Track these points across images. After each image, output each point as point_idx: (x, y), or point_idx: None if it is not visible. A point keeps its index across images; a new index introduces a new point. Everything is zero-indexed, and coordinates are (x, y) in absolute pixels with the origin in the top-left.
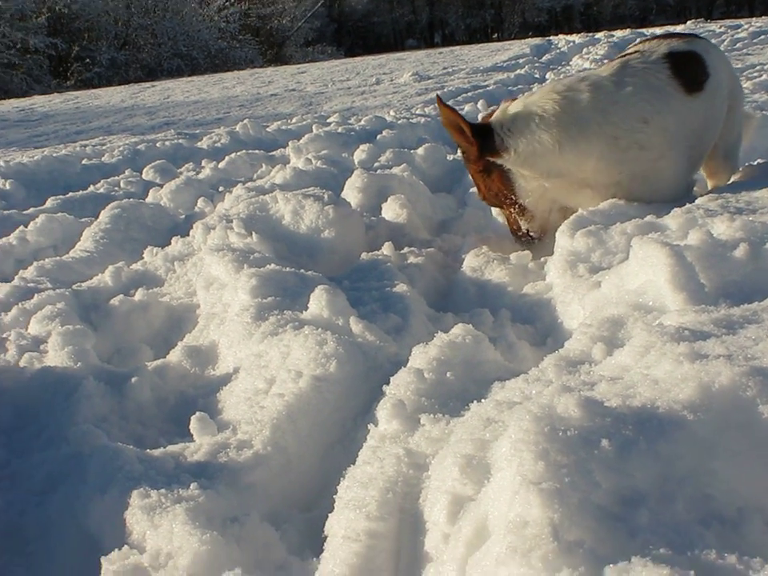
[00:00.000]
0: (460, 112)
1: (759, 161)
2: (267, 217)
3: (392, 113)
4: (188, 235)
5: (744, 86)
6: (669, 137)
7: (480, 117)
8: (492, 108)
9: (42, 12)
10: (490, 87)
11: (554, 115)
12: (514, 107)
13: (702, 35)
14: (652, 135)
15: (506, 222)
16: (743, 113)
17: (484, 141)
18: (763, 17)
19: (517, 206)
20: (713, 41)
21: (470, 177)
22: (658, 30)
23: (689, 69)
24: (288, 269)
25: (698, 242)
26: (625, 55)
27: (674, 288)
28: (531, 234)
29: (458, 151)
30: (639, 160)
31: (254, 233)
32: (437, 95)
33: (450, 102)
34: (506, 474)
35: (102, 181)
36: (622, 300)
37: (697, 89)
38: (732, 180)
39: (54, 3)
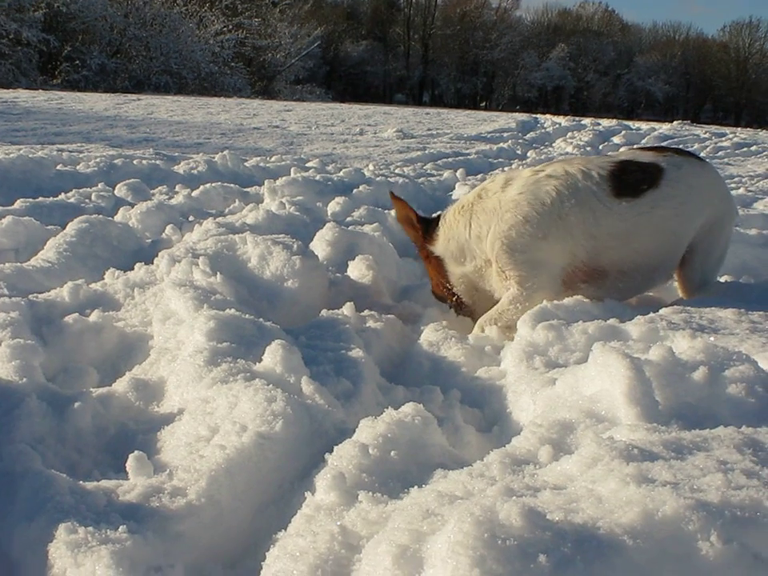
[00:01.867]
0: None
1: (726, 278)
2: (234, 257)
3: (371, 167)
4: (152, 262)
5: None
6: (564, 224)
7: None
8: None
9: (40, 6)
10: (471, 156)
11: (470, 204)
12: (458, 202)
13: (692, 147)
14: (549, 219)
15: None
16: (730, 239)
17: (426, 229)
18: (748, 128)
19: (456, 300)
20: (695, 146)
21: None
22: (644, 125)
23: (632, 176)
24: (247, 315)
25: (658, 358)
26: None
27: (628, 401)
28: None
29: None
30: (520, 234)
31: (218, 273)
32: (390, 192)
33: (428, 165)
34: (440, 573)
35: (74, 190)
36: (575, 404)
37: (629, 195)
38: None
39: (53, 0)
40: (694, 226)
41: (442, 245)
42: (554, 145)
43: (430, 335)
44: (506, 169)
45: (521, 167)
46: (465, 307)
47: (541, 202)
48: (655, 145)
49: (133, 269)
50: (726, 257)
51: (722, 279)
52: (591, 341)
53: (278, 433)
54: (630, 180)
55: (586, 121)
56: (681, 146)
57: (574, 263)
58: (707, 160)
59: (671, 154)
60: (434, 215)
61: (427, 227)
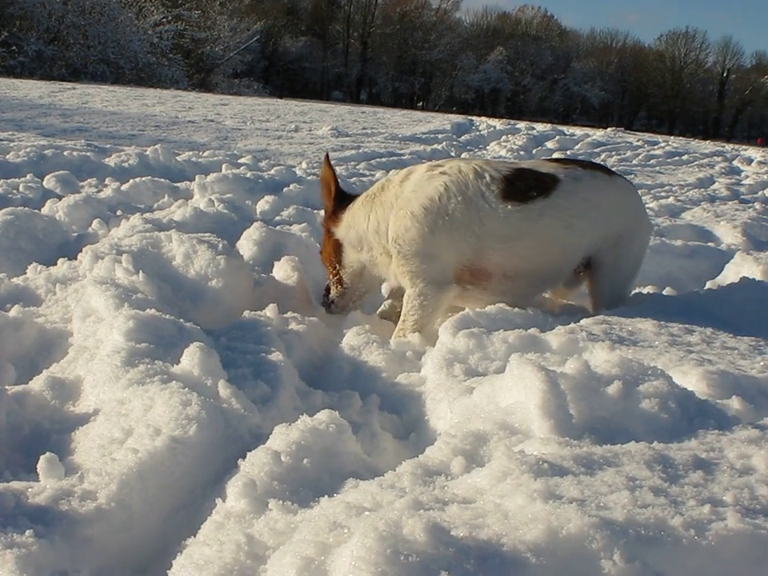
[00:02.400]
0: (338, 175)
1: (650, 289)
2: (158, 255)
3: (304, 164)
4: (76, 258)
5: (650, 206)
6: (450, 220)
7: None
8: None
9: None
10: (405, 156)
11: (374, 195)
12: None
13: (624, 155)
14: (436, 215)
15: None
16: (644, 254)
17: (338, 204)
18: (681, 137)
19: (337, 275)
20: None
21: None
22: (578, 131)
23: (525, 183)
24: (167, 316)
25: (574, 372)
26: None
27: (542, 414)
28: (335, 302)
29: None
30: (407, 230)
31: (141, 272)
32: (326, 153)
33: (362, 165)
34: None
35: (1, 180)
36: (490, 415)
37: (517, 199)
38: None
39: None
40: (590, 239)
41: (343, 230)
42: (487, 148)
43: (351, 339)
44: None
45: None
46: (341, 285)
47: (429, 198)
48: (569, 157)
49: (56, 263)
50: (638, 272)
51: (645, 290)
52: (511, 350)
53: (192, 437)
54: (522, 186)
55: (521, 125)
56: (613, 153)
57: (461, 261)
58: (622, 175)
59: (574, 167)
60: (351, 195)
61: (338, 205)
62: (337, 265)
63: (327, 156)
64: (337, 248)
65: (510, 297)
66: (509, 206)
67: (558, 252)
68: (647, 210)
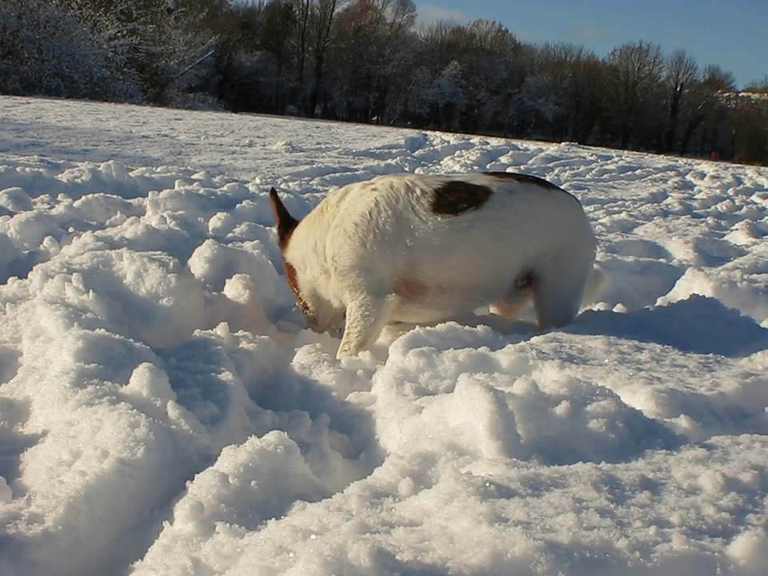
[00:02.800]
0: (283, 206)
1: (600, 306)
2: (109, 273)
3: (258, 180)
4: (27, 276)
5: (602, 221)
6: (381, 233)
7: None
8: None
9: None
10: (359, 172)
11: (314, 216)
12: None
13: (578, 169)
14: (367, 229)
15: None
16: (591, 269)
17: (286, 229)
18: (634, 151)
19: (301, 300)
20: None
21: None
22: (531, 145)
23: (455, 195)
24: (117, 336)
25: (521, 392)
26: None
27: (490, 435)
28: (315, 326)
29: None
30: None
31: (91, 291)
32: (272, 188)
33: (315, 180)
34: None
35: None
36: (439, 435)
37: (447, 212)
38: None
39: None
40: (525, 252)
41: (290, 253)
42: (441, 162)
43: (302, 358)
44: None
45: None
46: (308, 309)
47: (360, 214)
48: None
49: (7, 282)
50: (584, 288)
51: (596, 307)
52: (461, 369)
53: (140, 459)
54: (452, 198)
55: (475, 139)
56: (567, 168)
57: (396, 274)
58: (563, 189)
59: (510, 180)
60: (296, 220)
61: (285, 230)
62: (297, 290)
63: (273, 191)
64: (290, 272)
65: (448, 310)
66: (439, 218)
67: (492, 264)
68: (594, 225)
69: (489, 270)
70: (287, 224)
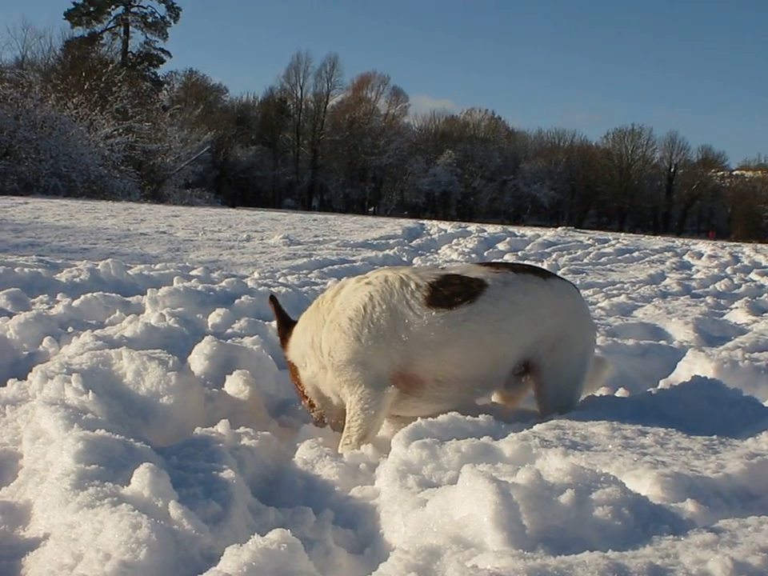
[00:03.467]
0: (282, 309)
1: (602, 391)
2: (109, 372)
3: (256, 274)
4: (26, 377)
5: (601, 304)
6: (376, 328)
7: None
8: None
9: None
10: (357, 263)
11: (311, 312)
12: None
13: (575, 253)
14: (362, 324)
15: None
16: (592, 355)
17: (286, 329)
18: (631, 233)
19: (306, 398)
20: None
21: None
22: (528, 231)
23: (450, 289)
24: (118, 436)
25: (525, 482)
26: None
27: (495, 527)
28: (323, 422)
29: None
30: (338, 340)
31: (91, 391)
32: (271, 295)
33: (314, 273)
34: None
35: None
36: (443, 528)
37: (442, 306)
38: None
39: None
40: (521, 342)
41: (291, 350)
42: (439, 251)
43: (304, 453)
44: None
45: None
46: (316, 408)
47: (354, 308)
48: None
49: (6, 384)
50: (585, 375)
51: (598, 392)
52: (464, 459)
53: (142, 561)
54: (447, 292)
55: (472, 227)
56: (564, 253)
57: (392, 368)
58: (560, 276)
59: (506, 271)
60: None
61: (286, 330)
62: (301, 388)
63: (272, 298)
64: (293, 370)
65: (447, 403)
66: (434, 313)
67: (488, 357)
68: (593, 309)
69: (485, 362)
70: (287, 324)
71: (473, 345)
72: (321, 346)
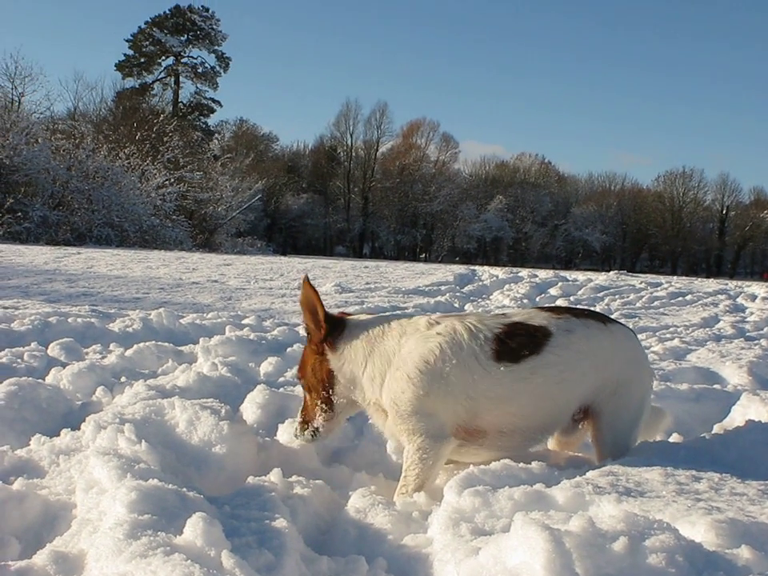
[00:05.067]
0: (321, 300)
1: (656, 437)
2: (161, 422)
3: None
4: (79, 427)
5: (654, 349)
6: (445, 383)
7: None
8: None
9: None
10: (409, 310)
11: (373, 340)
12: (365, 319)
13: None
14: (431, 377)
15: (304, 406)
16: (649, 401)
17: (332, 330)
18: (683, 277)
19: (326, 400)
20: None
21: (304, 351)
22: (580, 276)
23: (516, 341)
24: (170, 485)
25: (578, 529)
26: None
27: (548, 574)
28: (319, 430)
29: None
30: (402, 390)
31: (143, 441)
32: (305, 275)
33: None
34: None
35: (6, 350)
36: None
37: (510, 360)
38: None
39: None
40: (584, 389)
41: (338, 362)
42: (491, 297)
43: (357, 501)
44: None
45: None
46: (330, 410)
47: (424, 360)
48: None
49: (60, 434)
50: (642, 420)
51: (652, 438)
52: (517, 507)
53: None
54: (513, 344)
55: (523, 273)
56: (617, 297)
57: (456, 421)
58: (619, 321)
59: (567, 317)
60: (341, 314)
61: (332, 330)
62: (327, 391)
63: (307, 278)
64: (329, 376)
65: (507, 450)
66: (501, 368)
67: (552, 406)
68: (649, 355)
69: (549, 411)
70: (333, 324)
71: (538, 396)
72: (381, 387)
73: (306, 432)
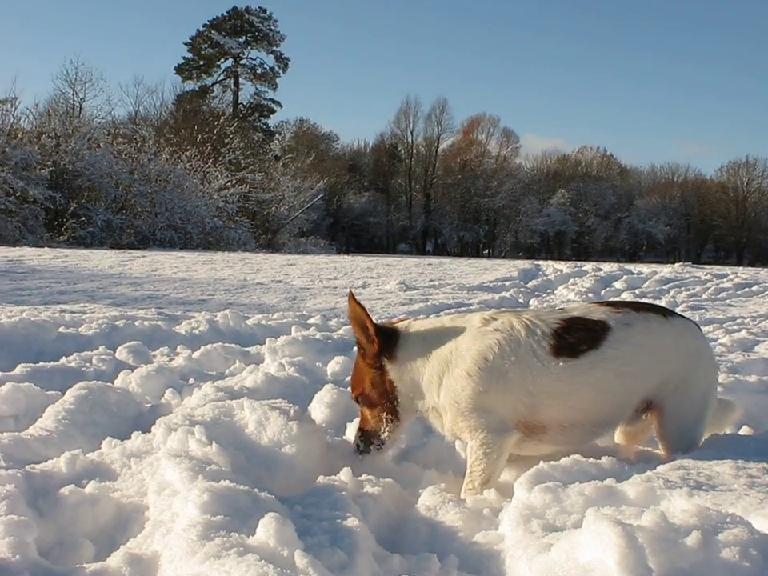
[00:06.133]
0: (368, 310)
1: (726, 430)
2: (231, 423)
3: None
4: (149, 430)
5: (721, 341)
6: (504, 380)
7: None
8: (401, 317)
9: (46, 165)
10: (474, 306)
11: (430, 343)
12: (417, 324)
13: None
14: (490, 374)
15: (363, 420)
16: (715, 394)
17: (386, 342)
18: (750, 267)
19: (389, 410)
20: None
21: (357, 367)
22: (645, 268)
23: (574, 336)
24: (242, 486)
25: (651, 524)
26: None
27: (621, 570)
28: (385, 442)
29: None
30: (462, 388)
31: (214, 443)
32: (350, 291)
33: (431, 315)
34: None
35: (75, 354)
36: (569, 573)
37: (568, 355)
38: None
39: (59, 158)
40: (645, 383)
41: (398, 372)
42: (555, 292)
43: (427, 499)
44: None
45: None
46: (396, 419)
47: (483, 357)
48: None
49: (130, 436)
50: (708, 414)
51: (722, 431)
52: (588, 503)
53: None
54: (572, 339)
55: (588, 266)
56: (682, 289)
57: (516, 416)
58: (682, 315)
59: (627, 311)
60: (393, 323)
61: (386, 341)
62: (392, 402)
63: (352, 293)
64: (391, 387)
65: (568, 445)
66: (560, 363)
67: (612, 401)
68: (714, 346)
69: (609, 406)
70: (387, 334)
71: (598, 391)
72: (439, 389)
73: (371, 446)
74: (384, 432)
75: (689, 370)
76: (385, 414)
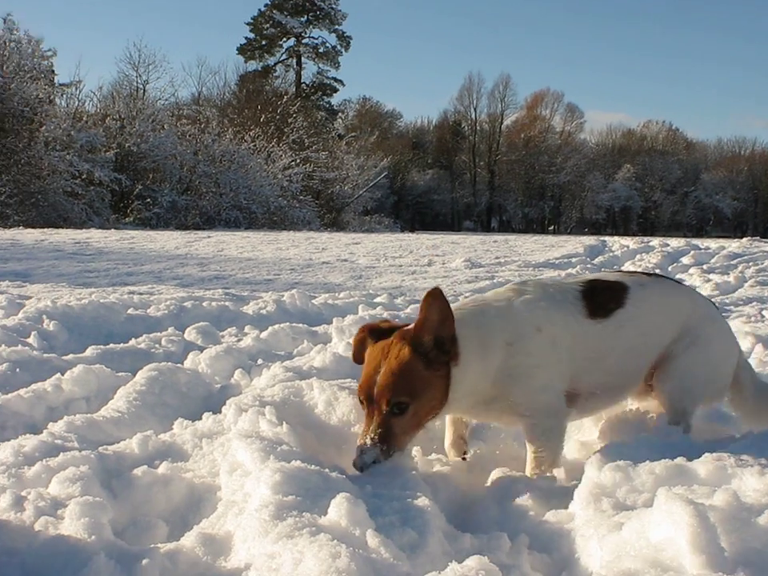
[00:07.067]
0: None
1: None
2: (300, 403)
3: None
4: (220, 411)
5: None
6: (555, 348)
7: None
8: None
9: (111, 147)
10: None
11: (481, 338)
12: (458, 317)
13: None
14: (540, 343)
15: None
16: (728, 375)
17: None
18: None
19: (434, 417)
20: (766, 263)
21: (408, 371)
22: (713, 243)
23: (601, 296)
24: (313, 467)
25: (723, 504)
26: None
27: (694, 550)
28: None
29: None
30: (522, 365)
31: (284, 423)
32: (437, 288)
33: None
34: None
35: (144, 335)
36: (640, 552)
37: (599, 315)
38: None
39: (124, 140)
40: (662, 341)
41: (461, 372)
42: (623, 268)
43: (497, 478)
44: None
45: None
46: (425, 426)
47: (535, 327)
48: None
49: (201, 417)
50: (714, 386)
51: None
52: (658, 482)
53: None
54: (600, 299)
55: (655, 242)
56: (750, 264)
57: (563, 387)
58: (680, 281)
59: (639, 275)
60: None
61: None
62: (441, 407)
63: (441, 291)
64: (448, 390)
65: (592, 413)
66: (597, 324)
67: (638, 361)
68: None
69: (633, 366)
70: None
71: (626, 351)
72: (493, 375)
73: (393, 453)
74: (410, 440)
75: (704, 330)
76: (425, 420)
